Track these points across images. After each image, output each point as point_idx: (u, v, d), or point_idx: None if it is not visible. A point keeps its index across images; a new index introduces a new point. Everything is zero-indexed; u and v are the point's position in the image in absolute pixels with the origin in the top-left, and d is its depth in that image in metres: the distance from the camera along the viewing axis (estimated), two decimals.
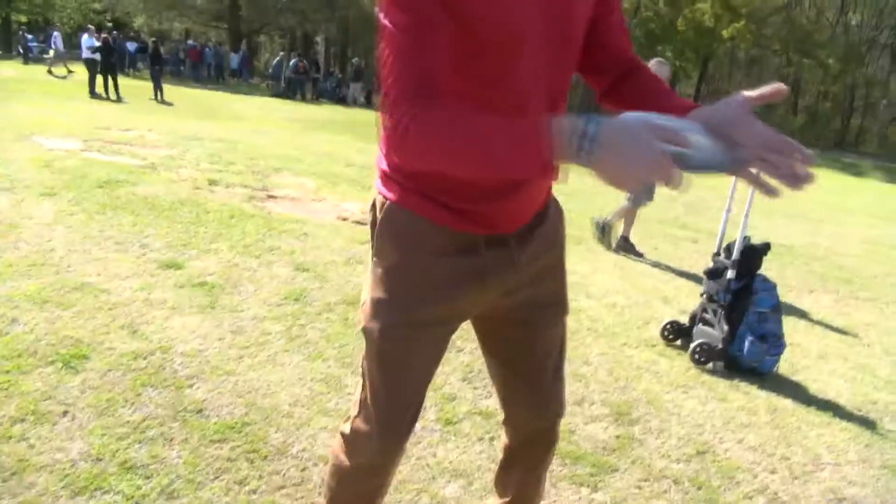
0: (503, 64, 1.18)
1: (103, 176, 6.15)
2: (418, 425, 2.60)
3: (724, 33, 35.45)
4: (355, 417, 1.46)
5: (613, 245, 6.13)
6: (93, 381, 2.61)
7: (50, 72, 20.21)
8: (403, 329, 1.35)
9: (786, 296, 5.21)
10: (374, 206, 1.39)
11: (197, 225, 4.99)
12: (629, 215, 6.12)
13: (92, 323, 3.12)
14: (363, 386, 1.44)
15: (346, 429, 1.48)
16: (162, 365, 2.81)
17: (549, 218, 1.47)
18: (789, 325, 4.31)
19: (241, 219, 5.33)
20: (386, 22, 1.11)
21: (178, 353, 2.94)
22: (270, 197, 6.40)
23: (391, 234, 1.35)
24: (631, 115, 0.98)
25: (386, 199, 1.35)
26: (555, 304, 1.54)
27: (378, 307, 1.36)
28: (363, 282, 1.45)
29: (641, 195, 5.59)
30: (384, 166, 1.36)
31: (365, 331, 1.39)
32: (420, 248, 1.33)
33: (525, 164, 1.02)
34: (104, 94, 15.85)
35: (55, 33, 21.60)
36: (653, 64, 5.72)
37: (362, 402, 1.44)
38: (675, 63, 36.81)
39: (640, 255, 6.08)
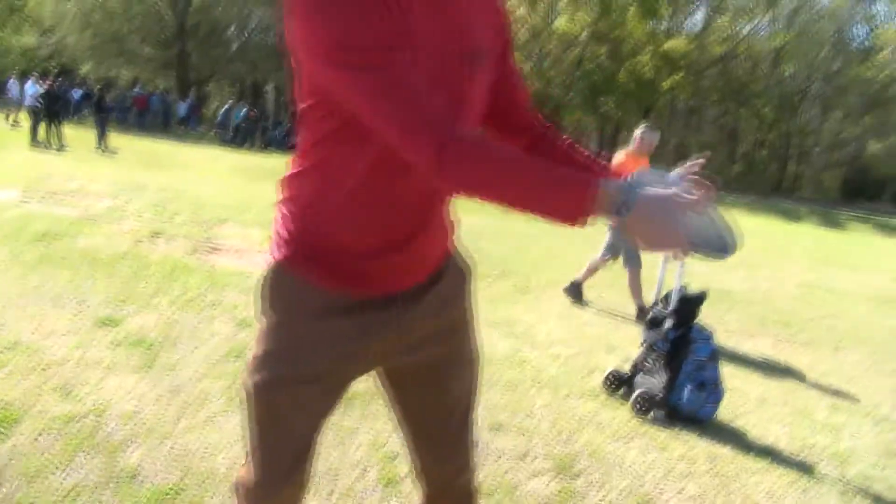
0: None
1: (42, 228, 6.01)
2: (359, 485, 2.58)
3: (664, 85, 36.78)
4: (243, 466, 1.48)
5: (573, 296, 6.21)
6: (23, 447, 2.52)
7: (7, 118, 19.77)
8: (282, 385, 1.36)
9: (726, 340, 5.34)
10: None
11: (137, 279, 4.90)
12: (597, 267, 6.20)
13: (24, 384, 3.02)
14: (248, 437, 1.45)
15: (238, 477, 1.49)
16: (96, 428, 2.73)
17: (446, 277, 1.47)
18: (729, 370, 4.41)
19: (183, 272, 5.25)
20: (340, 69, 1.11)
21: (113, 415, 2.86)
22: (214, 249, 6.33)
23: (273, 294, 1.38)
24: (662, 193, 1.08)
25: (273, 259, 1.39)
26: (460, 360, 1.55)
27: (259, 363, 1.38)
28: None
29: (631, 255, 5.87)
30: (276, 227, 1.40)
31: (244, 385, 1.40)
32: (300, 309, 1.36)
33: (564, 208, 1.09)
34: (47, 143, 15.56)
35: (12, 80, 21.14)
36: (643, 131, 5.98)
37: (250, 452, 1.45)
38: (617, 113, 37.99)
39: (584, 303, 6.18)
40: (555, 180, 1.09)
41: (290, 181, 1.38)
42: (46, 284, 4.48)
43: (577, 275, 6.26)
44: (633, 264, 5.93)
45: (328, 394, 1.43)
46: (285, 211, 1.38)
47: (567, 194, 1.08)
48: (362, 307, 1.35)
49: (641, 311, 5.77)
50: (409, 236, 1.34)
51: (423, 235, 1.37)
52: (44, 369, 3.21)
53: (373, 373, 1.54)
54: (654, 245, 1.09)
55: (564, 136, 1.48)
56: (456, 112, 1.24)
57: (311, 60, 1.16)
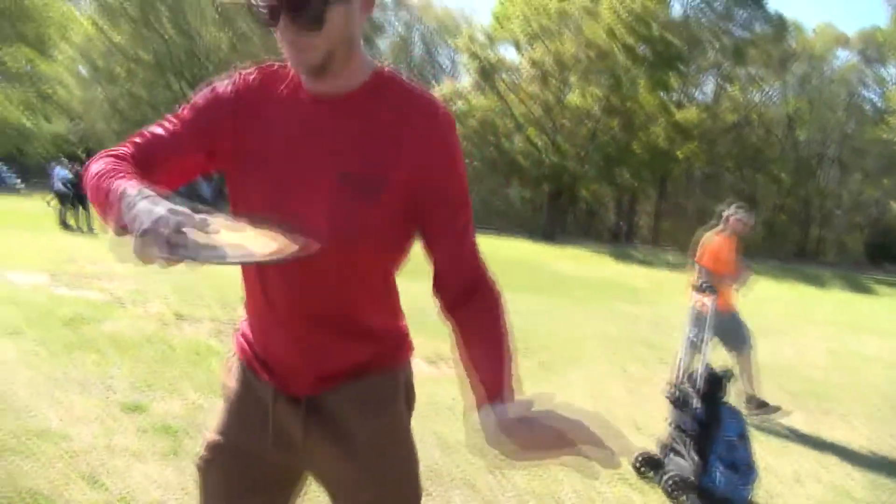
0: None
1: (69, 313, 6.11)
2: None
3: (679, 154, 37.17)
4: None
5: (755, 410, 5.35)
6: None
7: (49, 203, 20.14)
8: (207, 450, 1.46)
9: (756, 414, 5.23)
10: None
11: (162, 364, 4.94)
12: (749, 367, 5.48)
13: (51, 472, 3.04)
14: None
15: None
16: None
17: (362, 391, 1.42)
18: (762, 446, 4.31)
19: (208, 356, 5.29)
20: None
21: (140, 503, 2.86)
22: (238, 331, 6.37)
23: (226, 368, 1.56)
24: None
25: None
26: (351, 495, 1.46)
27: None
28: None
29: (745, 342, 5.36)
30: None
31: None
32: (233, 380, 1.50)
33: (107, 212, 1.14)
34: (75, 226, 15.93)
35: (57, 168, 21.36)
36: (737, 211, 5.59)
37: None
38: (633, 183, 38.30)
39: (776, 409, 5.46)
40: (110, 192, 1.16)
41: None
42: (74, 370, 4.53)
43: (746, 388, 5.45)
44: (742, 349, 5.39)
45: (241, 476, 1.45)
46: None
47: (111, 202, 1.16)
48: (274, 395, 1.42)
49: (751, 401, 5.35)
50: (287, 340, 1.40)
51: (298, 343, 1.38)
52: (71, 457, 3.22)
53: None
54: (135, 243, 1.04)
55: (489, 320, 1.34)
56: None
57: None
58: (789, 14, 49.19)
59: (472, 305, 1.32)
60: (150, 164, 1.30)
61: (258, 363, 1.44)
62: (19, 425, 3.49)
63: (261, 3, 1.20)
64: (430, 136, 1.30)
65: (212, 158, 1.38)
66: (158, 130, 1.36)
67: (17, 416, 3.61)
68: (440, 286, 1.37)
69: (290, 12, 1.18)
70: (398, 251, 1.38)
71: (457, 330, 1.33)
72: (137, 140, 1.34)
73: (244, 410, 1.45)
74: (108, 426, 3.65)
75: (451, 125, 1.34)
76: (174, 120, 1.38)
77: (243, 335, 1.50)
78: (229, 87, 1.38)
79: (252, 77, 1.38)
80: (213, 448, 1.45)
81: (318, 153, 1.29)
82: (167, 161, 1.34)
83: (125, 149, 1.32)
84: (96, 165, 1.24)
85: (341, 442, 1.40)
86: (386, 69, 1.35)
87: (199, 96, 1.40)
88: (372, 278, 1.38)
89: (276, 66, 1.38)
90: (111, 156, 1.28)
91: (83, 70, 34.62)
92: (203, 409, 4.08)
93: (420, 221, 1.34)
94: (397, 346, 1.50)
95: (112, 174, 1.18)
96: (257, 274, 1.37)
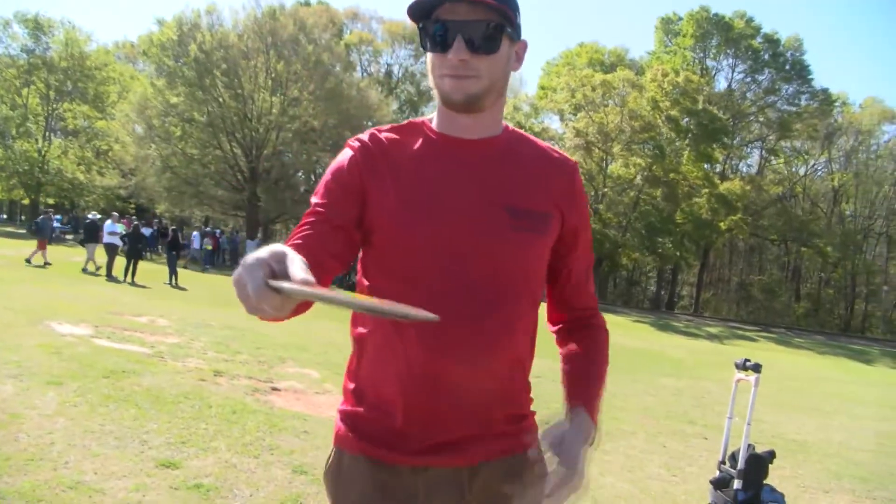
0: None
1: (110, 365, 6.20)
2: None
3: (722, 225, 36.81)
4: None
5: None
6: None
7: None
8: None
9: (800, 497, 5.03)
10: None
11: (198, 420, 4.96)
12: None
13: None
14: None
15: None
16: None
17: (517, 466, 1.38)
18: None
19: (243, 414, 5.31)
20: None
21: None
22: (274, 389, 6.40)
23: (328, 482, 1.44)
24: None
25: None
26: None
27: None
28: None
29: None
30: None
31: None
32: (346, 495, 1.38)
33: None
34: (121, 279, 16.29)
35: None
36: None
37: None
38: (675, 253, 37.98)
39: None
40: None
41: None
42: (111, 424, 4.57)
43: None
44: None
45: None
46: None
47: None
48: (411, 477, 1.35)
49: None
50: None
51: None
52: None
53: None
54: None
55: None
56: None
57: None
58: (835, 88, 48.91)
59: (588, 332, 1.50)
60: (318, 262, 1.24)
61: (378, 436, 1.36)
62: (54, 476, 3.52)
63: (437, 22, 1.26)
64: (572, 185, 1.44)
65: (361, 224, 1.34)
66: (308, 231, 1.29)
67: (54, 467, 3.64)
68: (561, 314, 1.53)
69: (468, 34, 1.25)
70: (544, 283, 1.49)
71: (568, 352, 1.48)
72: (298, 242, 1.27)
73: None
74: (141, 482, 3.66)
75: (581, 180, 1.48)
76: (318, 210, 1.32)
77: (351, 413, 1.45)
78: (358, 151, 1.37)
79: (384, 133, 1.41)
80: None
81: (478, 189, 1.34)
82: (330, 248, 1.30)
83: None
84: None
85: None
86: (508, 124, 1.45)
87: (329, 177, 1.37)
88: (531, 309, 1.42)
89: (405, 122, 1.44)
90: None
91: (139, 128, 35.95)
92: (236, 469, 4.07)
93: (564, 256, 1.46)
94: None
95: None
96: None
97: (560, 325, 1.54)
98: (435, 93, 1.34)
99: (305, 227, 1.29)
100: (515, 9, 1.30)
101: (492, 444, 1.36)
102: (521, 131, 1.46)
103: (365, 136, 1.39)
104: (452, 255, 1.30)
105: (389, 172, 1.34)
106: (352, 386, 1.44)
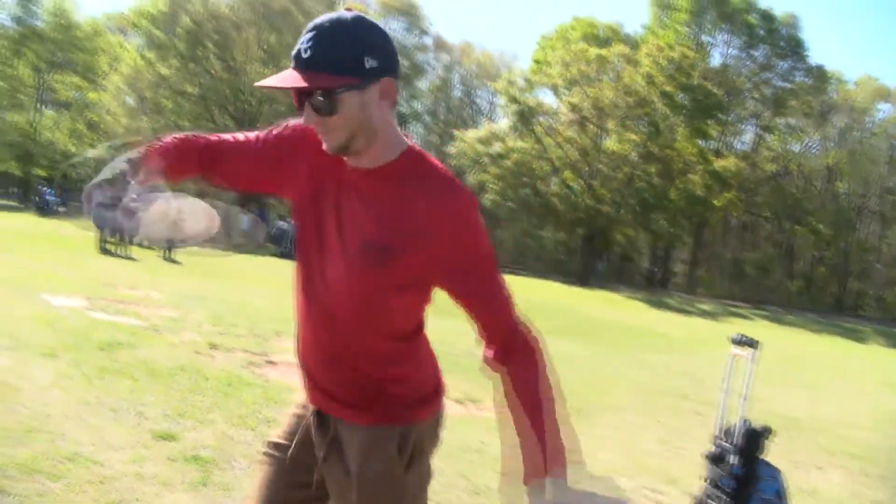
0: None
1: (105, 337, 6.18)
2: None
3: (716, 202, 36.83)
4: None
5: None
6: None
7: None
8: (269, 446, 1.72)
9: (793, 472, 5.07)
10: None
11: (194, 393, 4.96)
12: None
13: (81, 498, 3.04)
14: None
15: None
16: None
17: (366, 439, 1.56)
18: None
19: (239, 387, 5.31)
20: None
21: None
22: (269, 362, 6.40)
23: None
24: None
25: None
26: None
27: None
28: None
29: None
30: None
31: None
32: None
33: None
34: (114, 251, 16.23)
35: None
36: None
37: None
38: (669, 230, 38.03)
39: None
40: None
41: None
42: (107, 396, 4.56)
43: None
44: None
45: (281, 472, 1.67)
46: None
47: None
48: (311, 410, 1.68)
49: None
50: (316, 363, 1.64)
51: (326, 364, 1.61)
52: (101, 483, 3.22)
53: None
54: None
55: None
56: None
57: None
58: (831, 66, 48.74)
59: (510, 369, 1.46)
60: (216, 157, 1.61)
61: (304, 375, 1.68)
62: (51, 448, 3.51)
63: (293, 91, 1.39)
64: (451, 212, 1.40)
65: (278, 186, 1.62)
66: (239, 136, 1.63)
67: (51, 439, 3.64)
68: (482, 340, 1.52)
69: (313, 101, 1.35)
70: (406, 315, 1.55)
71: (498, 388, 1.48)
72: (216, 136, 1.62)
73: (298, 421, 1.70)
74: (139, 453, 3.66)
75: (472, 203, 1.44)
76: (252, 133, 1.63)
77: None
78: (300, 131, 1.56)
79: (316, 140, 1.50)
80: (272, 446, 1.70)
81: (349, 218, 1.46)
82: (232, 160, 1.63)
83: (202, 137, 1.64)
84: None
85: (345, 478, 1.56)
86: (416, 148, 1.47)
87: (277, 127, 1.62)
88: (382, 335, 1.53)
89: None
90: (183, 136, 1.62)
91: (130, 100, 35.61)
92: (233, 441, 4.08)
93: (447, 291, 1.47)
94: (414, 404, 1.58)
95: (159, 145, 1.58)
96: (303, 301, 1.61)
97: (484, 352, 1.51)
98: None
99: (239, 133, 1.66)
100: (358, 56, 1.32)
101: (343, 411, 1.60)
102: (424, 156, 1.47)
103: (308, 133, 1.50)
104: (320, 268, 1.52)
105: (308, 167, 1.54)
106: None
